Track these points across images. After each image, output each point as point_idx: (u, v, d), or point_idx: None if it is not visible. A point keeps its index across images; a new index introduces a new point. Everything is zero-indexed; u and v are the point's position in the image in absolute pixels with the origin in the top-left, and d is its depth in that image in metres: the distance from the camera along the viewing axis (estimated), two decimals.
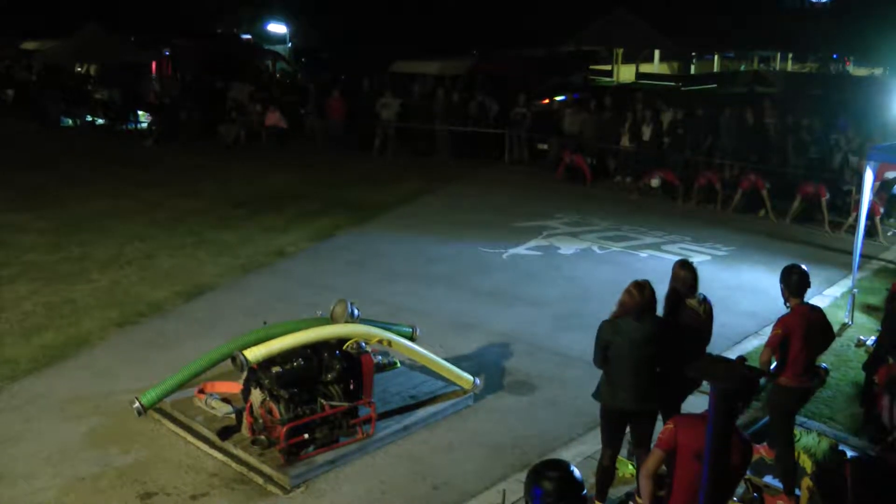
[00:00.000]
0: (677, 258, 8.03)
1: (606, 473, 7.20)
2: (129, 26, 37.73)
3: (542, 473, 4.18)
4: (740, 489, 7.30)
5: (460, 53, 29.89)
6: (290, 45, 42.18)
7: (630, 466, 7.77)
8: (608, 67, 33.27)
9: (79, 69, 33.25)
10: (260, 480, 7.66)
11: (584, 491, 4.19)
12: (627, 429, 7.16)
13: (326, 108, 25.03)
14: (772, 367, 7.43)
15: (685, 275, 7.41)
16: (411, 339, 9.32)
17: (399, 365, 9.64)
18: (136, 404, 8.24)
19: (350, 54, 36.49)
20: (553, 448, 8.34)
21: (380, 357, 9.27)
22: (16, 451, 8.25)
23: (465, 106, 24.06)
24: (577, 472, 4.21)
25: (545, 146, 22.59)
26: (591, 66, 32.04)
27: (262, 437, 8.00)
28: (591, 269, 14.05)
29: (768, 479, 7.66)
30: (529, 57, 29.25)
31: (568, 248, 15.16)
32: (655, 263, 14.09)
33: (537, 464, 4.28)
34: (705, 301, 7.52)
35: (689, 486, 5.24)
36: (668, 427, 5.49)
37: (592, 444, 8.13)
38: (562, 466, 4.26)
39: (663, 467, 5.51)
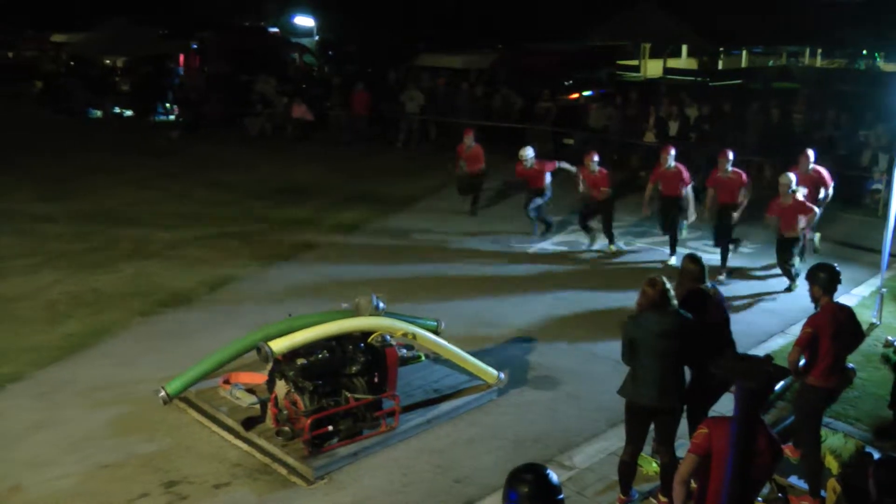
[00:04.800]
0: (702, 254, 8.06)
1: (626, 469, 7.18)
2: (156, 19, 37.95)
3: (518, 477, 4.23)
4: (765, 489, 7.24)
5: (485, 47, 29.78)
6: (316, 38, 42.19)
7: (654, 464, 7.72)
8: (635, 62, 33.04)
9: (107, 61, 33.45)
10: (283, 471, 7.67)
11: (561, 495, 4.21)
12: (652, 427, 7.13)
13: (351, 101, 25.05)
14: (799, 365, 7.37)
15: (693, 268, 7.59)
16: (436, 332, 9.31)
17: (423, 358, 9.64)
18: (162, 393, 8.27)
19: (375, 48, 36.47)
20: (575, 443, 8.30)
21: (404, 350, 9.28)
22: (40, 438, 8.30)
23: (488, 100, 24.01)
24: (553, 476, 4.25)
25: (570, 141, 22.48)
26: (618, 61, 31.86)
27: (286, 428, 8.00)
28: (616, 264, 13.99)
29: (793, 479, 7.59)
30: (555, 51, 29.08)
31: (595, 243, 15.05)
32: (679, 260, 13.97)
33: (515, 468, 4.33)
34: (715, 289, 7.74)
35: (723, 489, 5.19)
36: (701, 431, 5.43)
37: (615, 439, 8.07)
38: (537, 470, 4.29)
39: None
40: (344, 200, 17.80)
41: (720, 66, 32.73)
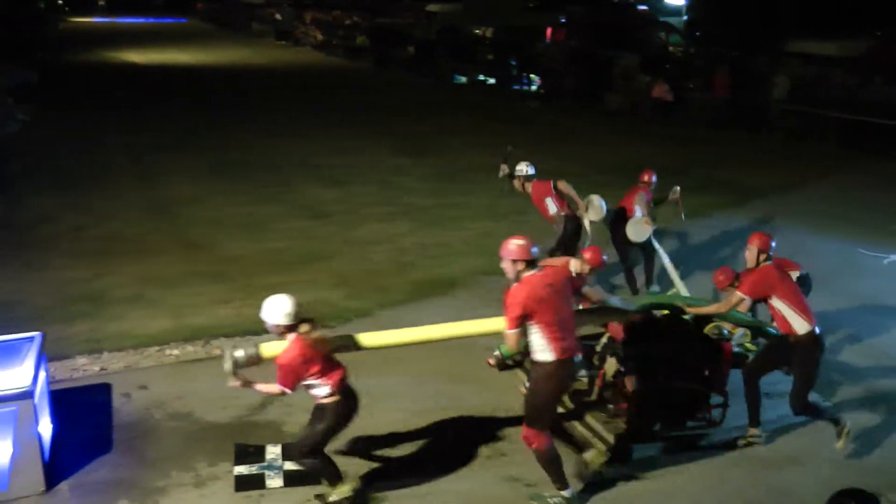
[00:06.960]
0: None
1: None
2: None
3: (844, 501, 3.87)
4: None
5: (860, 34, 27.80)
6: (685, 17, 41.44)
7: None
8: None
9: (476, 31, 34.92)
10: (601, 447, 7.65)
11: None
12: None
13: (713, 84, 24.41)
14: None
15: None
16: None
17: None
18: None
19: (745, 30, 35.17)
20: None
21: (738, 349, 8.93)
22: (381, 372, 8.85)
23: (862, 91, 22.44)
24: None
25: None
26: None
27: (610, 406, 7.99)
28: None
29: None
30: None
31: None
32: None
33: (842, 489, 3.95)
34: None
35: None
36: None
37: None
38: (868, 497, 3.90)
39: None
40: (690, 184, 17.30)
41: None
